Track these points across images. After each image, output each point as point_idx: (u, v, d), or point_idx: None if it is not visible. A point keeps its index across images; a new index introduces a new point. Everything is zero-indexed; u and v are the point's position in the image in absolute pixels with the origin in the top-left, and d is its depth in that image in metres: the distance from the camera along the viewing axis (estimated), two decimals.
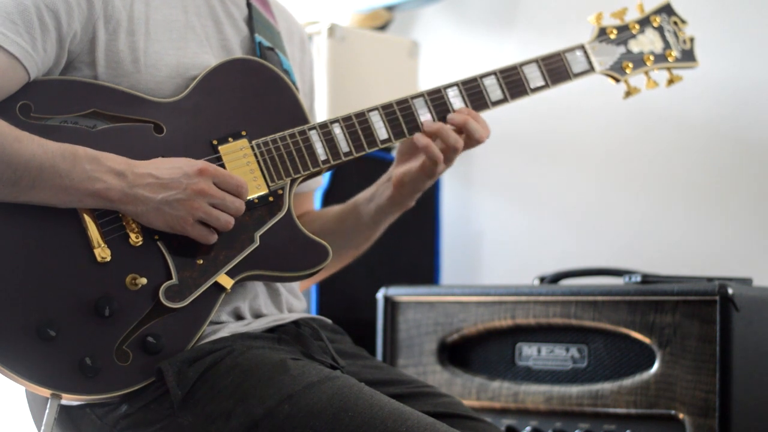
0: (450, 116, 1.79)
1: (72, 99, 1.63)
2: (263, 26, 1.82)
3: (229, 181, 1.62)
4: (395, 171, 1.84)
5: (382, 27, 3.18)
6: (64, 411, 1.64)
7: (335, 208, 1.94)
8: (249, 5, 1.82)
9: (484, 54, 3.18)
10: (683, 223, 2.79)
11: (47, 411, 1.56)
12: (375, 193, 1.88)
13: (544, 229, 3.05)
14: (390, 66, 2.93)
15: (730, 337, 1.98)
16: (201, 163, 1.61)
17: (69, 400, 1.59)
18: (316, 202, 2.11)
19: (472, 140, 1.79)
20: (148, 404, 1.59)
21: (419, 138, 1.77)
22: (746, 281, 2.12)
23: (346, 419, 1.50)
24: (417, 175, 1.81)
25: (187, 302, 1.60)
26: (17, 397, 1.74)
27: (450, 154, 1.78)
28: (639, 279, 2.13)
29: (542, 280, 2.40)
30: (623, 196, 2.91)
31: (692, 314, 2.02)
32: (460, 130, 1.79)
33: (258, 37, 1.79)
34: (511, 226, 3.11)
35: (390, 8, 3.15)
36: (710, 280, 2.05)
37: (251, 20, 1.81)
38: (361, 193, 1.91)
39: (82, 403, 1.62)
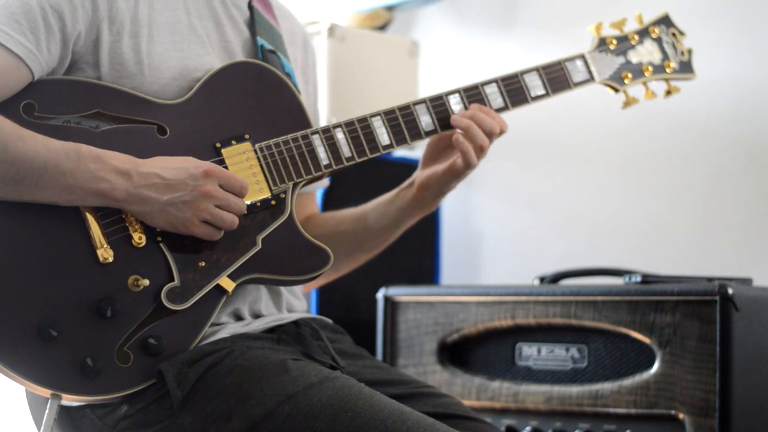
0: (455, 119, 1.80)
1: (76, 99, 1.63)
2: (265, 29, 1.82)
3: (233, 182, 1.63)
4: (420, 174, 1.85)
5: (382, 27, 3.18)
6: (64, 411, 1.64)
7: (347, 212, 1.94)
8: (251, 7, 1.83)
9: (484, 54, 3.18)
10: (683, 223, 2.79)
11: (47, 411, 1.56)
12: (397, 197, 1.88)
13: (544, 229, 3.05)
14: (390, 66, 2.93)
15: (730, 337, 1.98)
16: (207, 165, 1.61)
17: (69, 400, 1.59)
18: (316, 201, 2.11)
19: (487, 135, 1.80)
20: (148, 405, 1.59)
21: (461, 141, 1.78)
22: (746, 281, 2.13)
23: (346, 420, 1.50)
24: (443, 176, 1.82)
25: (189, 304, 1.60)
26: (17, 397, 1.74)
27: (477, 153, 1.79)
28: (639, 279, 2.13)
29: (542, 280, 2.40)
30: (623, 196, 2.91)
31: (692, 314, 2.03)
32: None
33: (260, 40, 1.79)
34: (511, 226, 3.11)
35: (390, 8, 3.15)
36: (710, 280, 2.05)
37: (253, 23, 1.81)
38: (378, 198, 1.91)
39: (83, 403, 1.62)
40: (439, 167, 1.83)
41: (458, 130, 1.80)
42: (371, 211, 1.91)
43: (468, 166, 1.79)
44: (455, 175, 1.81)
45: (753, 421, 2.02)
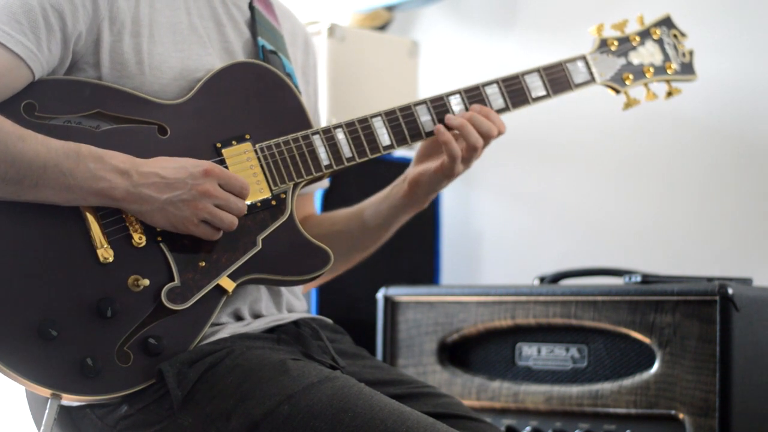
0: (449, 117, 1.80)
1: (76, 99, 1.63)
2: (266, 29, 1.82)
3: (233, 182, 1.63)
4: (412, 170, 1.85)
5: (382, 27, 3.18)
6: (64, 411, 1.64)
7: (341, 212, 1.94)
8: (252, 8, 1.83)
9: (484, 54, 3.18)
10: (683, 223, 2.79)
11: (47, 411, 1.57)
12: (389, 194, 1.89)
13: (544, 229, 3.05)
14: (390, 66, 2.93)
15: (730, 337, 1.98)
16: (206, 164, 1.61)
17: (69, 400, 1.59)
18: (316, 202, 2.11)
19: (483, 137, 1.80)
20: (148, 405, 1.59)
21: (442, 132, 1.78)
22: (746, 281, 2.13)
23: (346, 419, 1.50)
24: (434, 175, 1.82)
25: (189, 304, 1.61)
26: (17, 397, 1.74)
27: (469, 153, 1.79)
28: (639, 279, 2.13)
29: (542, 280, 2.40)
30: (623, 196, 2.91)
31: (692, 314, 2.03)
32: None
33: (261, 41, 1.79)
34: (511, 226, 3.11)
35: (390, 8, 3.15)
36: (710, 280, 2.05)
37: (254, 23, 1.81)
38: (372, 196, 1.91)
39: (83, 403, 1.62)
40: (431, 164, 1.83)
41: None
42: (367, 209, 1.91)
43: (453, 160, 1.79)
44: (445, 174, 1.81)
45: (753, 421, 2.02)
